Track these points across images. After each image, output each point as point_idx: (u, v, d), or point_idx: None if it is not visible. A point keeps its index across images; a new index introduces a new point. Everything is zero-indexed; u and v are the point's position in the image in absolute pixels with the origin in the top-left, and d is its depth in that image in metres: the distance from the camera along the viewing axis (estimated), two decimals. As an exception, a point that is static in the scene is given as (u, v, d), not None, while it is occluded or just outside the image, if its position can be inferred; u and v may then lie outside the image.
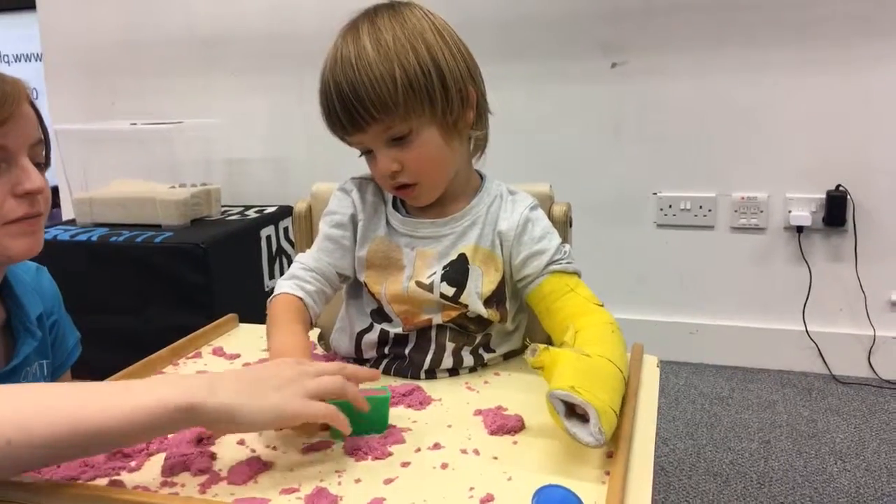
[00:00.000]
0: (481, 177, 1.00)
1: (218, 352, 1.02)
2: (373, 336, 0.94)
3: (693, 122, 2.26)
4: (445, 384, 0.91)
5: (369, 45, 0.85)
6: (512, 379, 0.93)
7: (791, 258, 2.26)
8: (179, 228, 2.22)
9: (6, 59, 3.81)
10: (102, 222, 2.30)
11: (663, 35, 2.23)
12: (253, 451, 0.74)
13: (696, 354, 2.37)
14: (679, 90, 2.25)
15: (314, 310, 0.93)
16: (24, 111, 0.86)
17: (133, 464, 0.72)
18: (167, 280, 2.07)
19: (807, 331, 2.26)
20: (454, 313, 0.92)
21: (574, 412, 0.70)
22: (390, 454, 0.73)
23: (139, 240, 2.10)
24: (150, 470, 0.71)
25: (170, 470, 0.70)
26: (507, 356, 0.98)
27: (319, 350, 1.04)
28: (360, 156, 0.93)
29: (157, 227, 2.22)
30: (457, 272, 0.92)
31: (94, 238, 2.15)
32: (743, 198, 2.26)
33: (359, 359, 0.96)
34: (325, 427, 0.77)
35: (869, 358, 2.23)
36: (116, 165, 2.47)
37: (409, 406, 0.84)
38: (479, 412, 0.82)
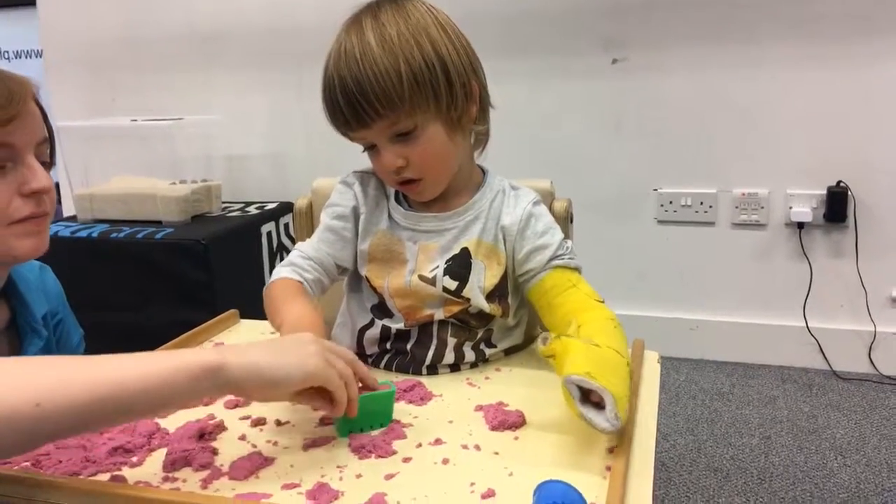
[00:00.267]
0: (483, 172, 1.00)
1: (220, 346, 1.02)
2: (374, 332, 0.94)
3: (694, 118, 2.26)
4: (446, 380, 0.91)
5: (373, 40, 0.84)
6: (513, 375, 0.93)
7: (792, 254, 2.26)
8: (180, 225, 2.22)
9: (6, 55, 3.81)
10: (103, 219, 2.30)
11: (664, 31, 2.23)
12: (254, 446, 0.74)
13: (697, 350, 2.37)
14: (680, 86, 2.25)
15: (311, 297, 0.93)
16: (31, 109, 0.86)
17: (134, 459, 0.72)
18: (168, 276, 2.07)
19: (807, 327, 2.26)
20: (456, 308, 0.92)
21: (588, 399, 0.71)
22: (394, 452, 0.73)
23: (140, 236, 2.10)
24: (152, 465, 0.71)
25: (171, 465, 0.70)
26: (509, 352, 0.98)
27: None
28: (364, 151, 0.93)
29: (158, 223, 2.22)
30: (459, 266, 0.92)
31: (94, 234, 2.15)
32: (744, 194, 2.26)
33: (360, 354, 0.96)
34: (328, 420, 0.77)
35: (869, 354, 2.23)
36: (117, 162, 2.47)
37: (411, 402, 0.84)
38: (480, 408, 0.82)
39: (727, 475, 1.72)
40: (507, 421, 0.77)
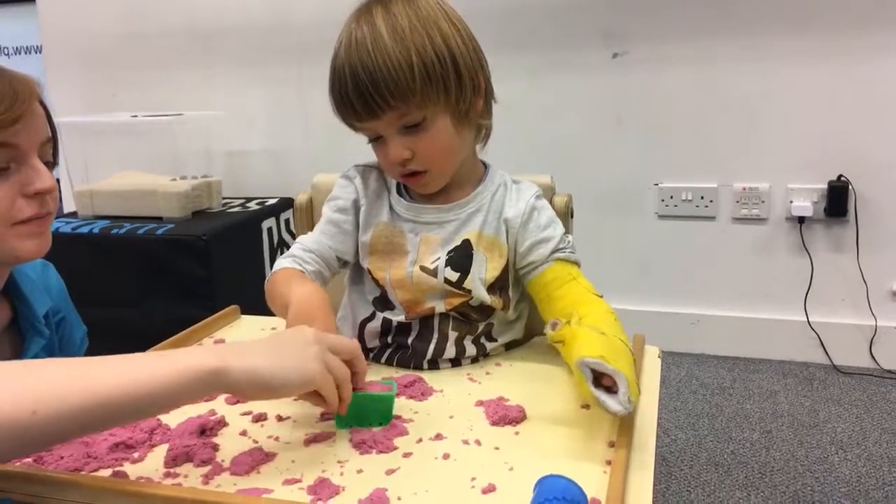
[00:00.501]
0: (485, 166, 1.00)
1: (220, 344, 1.03)
2: (375, 324, 0.94)
3: (694, 112, 2.25)
4: (447, 375, 0.91)
5: (385, 32, 0.84)
6: (514, 370, 0.93)
7: (792, 248, 2.26)
8: (181, 221, 2.22)
9: (6, 51, 3.80)
10: (104, 215, 2.30)
11: (665, 25, 2.22)
12: (255, 441, 0.75)
13: (698, 345, 2.37)
14: (681, 80, 2.24)
15: None
16: (36, 109, 0.86)
17: (136, 455, 0.72)
18: (169, 272, 2.07)
19: (808, 321, 2.26)
20: (457, 301, 0.92)
21: (599, 383, 0.72)
22: (395, 448, 0.73)
23: (140, 232, 2.10)
24: (153, 461, 0.71)
25: (173, 461, 0.70)
26: (509, 346, 0.99)
27: None
28: (369, 143, 0.93)
29: (159, 219, 2.22)
30: (461, 257, 0.92)
31: (95, 230, 2.15)
32: (744, 188, 2.25)
33: (362, 348, 0.96)
34: (329, 416, 0.78)
35: (870, 348, 2.23)
36: (117, 158, 2.47)
37: (411, 397, 0.84)
38: (480, 403, 0.82)
39: (728, 469, 1.73)
40: (507, 416, 0.77)
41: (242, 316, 1.14)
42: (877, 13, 2.05)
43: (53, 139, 0.92)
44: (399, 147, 0.88)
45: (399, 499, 0.64)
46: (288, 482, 0.67)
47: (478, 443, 0.73)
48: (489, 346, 0.95)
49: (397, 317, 0.93)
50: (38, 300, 0.98)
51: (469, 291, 0.91)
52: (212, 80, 2.66)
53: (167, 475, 0.68)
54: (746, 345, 2.33)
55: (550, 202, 1.02)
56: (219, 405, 0.82)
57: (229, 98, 2.63)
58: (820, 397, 2.07)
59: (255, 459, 0.70)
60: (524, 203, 0.95)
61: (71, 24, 2.76)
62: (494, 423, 0.77)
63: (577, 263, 0.95)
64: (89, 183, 2.36)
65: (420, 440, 0.74)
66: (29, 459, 0.70)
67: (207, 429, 0.76)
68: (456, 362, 0.93)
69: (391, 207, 0.96)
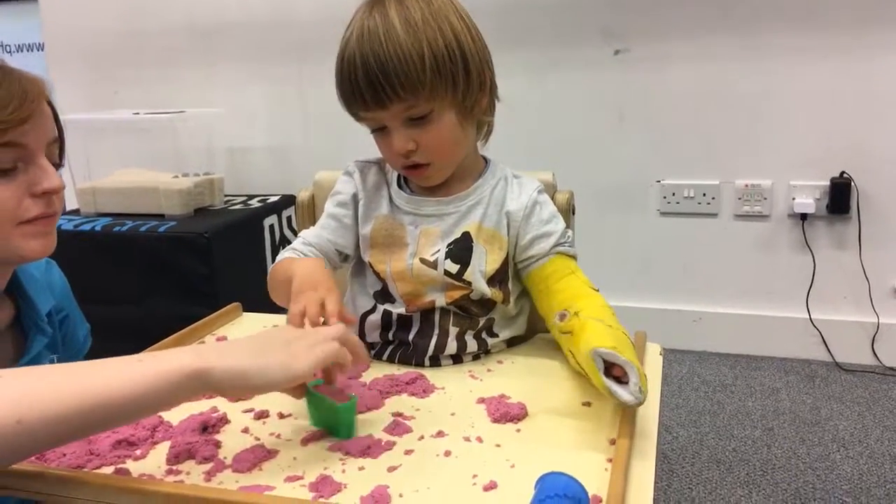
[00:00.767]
0: (485, 160, 1.01)
1: (222, 341, 1.03)
2: (376, 317, 0.94)
3: (696, 109, 2.25)
4: (449, 372, 0.91)
5: (398, 23, 0.85)
6: (515, 367, 0.93)
7: (795, 246, 2.25)
8: (183, 218, 2.22)
9: (8, 49, 3.80)
10: (106, 212, 2.30)
11: (666, 22, 2.22)
12: (257, 438, 0.75)
13: (700, 342, 2.37)
14: (682, 77, 2.24)
15: None
16: (44, 110, 0.86)
17: (138, 452, 0.72)
18: (171, 269, 2.08)
19: (810, 318, 2.25)
20: (457, 294, 0.92)
21: (609, 374, 0.73)
22: (396, 445, 0.73)
23: (143, 229, 2.11)
24: (155, 458, 0.71)
25: (175, 458, 0.70)
26: (511, 342, 0.99)
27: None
28: (372, 132, 0.93)
29: (161, 216, 2.22)
30: (461, 249, 0.93)
31: (97, 228, 2.16)
32: (746, 185, 2.25)
33: (362, 342, 0.96)
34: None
35: (872, 345, 2.23)
36: (119, 155, 2.47)
37: (413, 394, 0.84)
38: (482, 400, 0.82)
39: (729, 467, 1.73)
40: (508, 413, 0.78)
41: (244, 313, 1.14)
42: (878, 10, 2.05)
43: (60, 140, 0.92)
44: (403, 138, 0.89)
45: (400, 496, 0.64)
46: (290, 479, 0.67)
47: (479, 440, 0.74)
48: (490, 341, 0.95)
49: (398, 309, 0.93)
50: (41, 298, 0.98)
51: (469, 284, 0.92)
52: (213, 77, 2.66)
53: (169, 472, 0.69)
54: (748, 342, 2.33)
55: (552, 199, 1.02)
56: (220, 402, 0.82)
57: (231, 95, 2.63)
58: (822, 395, 2.07)
59: (257, 456, 0.70)
60: (526, 197, 0.96)
61: (73, 21, 2.76)
62: (496, 421, 0.77)
63: (575, 257, 0.96)
64: (91, 180, 2.36)
65: (422, 437, 0.74)
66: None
67: (209, 426, 0.76)
68: (457, 358, 0.94)
69: (391, 200, 0.97)
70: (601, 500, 0.62)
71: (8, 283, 0.94)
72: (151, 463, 0.70)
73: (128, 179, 2.34)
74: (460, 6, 0.91)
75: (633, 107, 2.30)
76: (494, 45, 0.93)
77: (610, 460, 0.68)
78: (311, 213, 1.15)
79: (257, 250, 2.33)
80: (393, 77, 0.84)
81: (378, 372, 0.90)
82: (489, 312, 0.95)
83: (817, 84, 2.13)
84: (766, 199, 2.24)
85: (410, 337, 0.93)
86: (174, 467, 0.69)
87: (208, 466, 0.69)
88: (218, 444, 0.73)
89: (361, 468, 0.69)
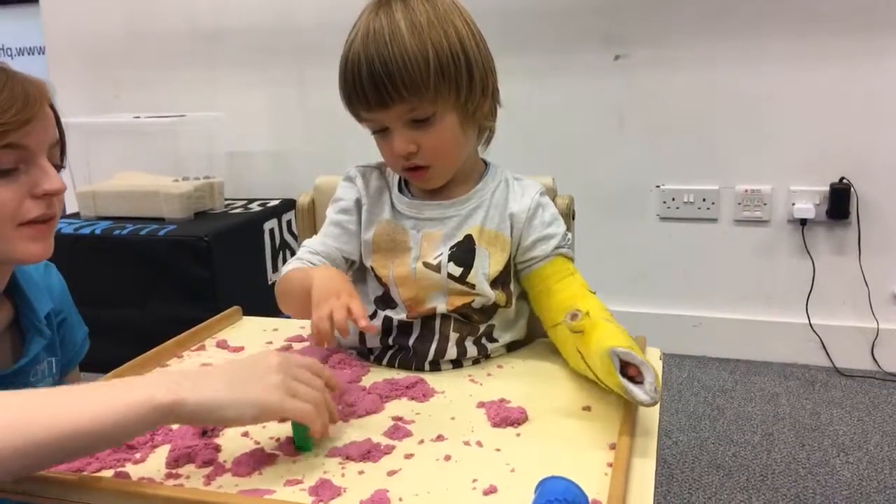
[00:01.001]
0: (486, 164, 1.01)
1: (222, 344, 1.03)
2: (376, 323, 0.94)
3: (696, 114, 2.25)
4: (449, 376, 0.91)
5: (403, 25, 0.85)
6: (515, 371, 0.93)
7: (794, 251, 2.25)
8: (183, 221, 2.22)
9: (9, 52, 3.81)
10: (106, 215, 2.30)
11: (666, 27, 2.22)
12: (257, 442, 0.75)
13: (699, 347, 2.37)
14: (682, 82, 2.25)
15: None
16: (46, 112, 0.87)
17: (138, 455, 0.72)
18: (171, 273, 2.08)
19: (810, 323, 2.26)
20: (458, 302, 0.92)
21: (624, 373, 0.74)
22: (396, 449, 0.73)
23: (143, 233, 2.11)
24: (155, 462, 0.71)
25: (174, 462, 0.70)
26: (511, 347, 0.99)
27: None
28: (373, 133, 0.93)
29: (161, 220, 2.22)
30: (463, 252, 0.93)
31: (97, 231, 2.16)
32: (746, 190, 2.25)
33: (362, 347, 0.96)
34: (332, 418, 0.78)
35: (872, 351, 2.23)
36: (120, 158, 2.47)
37: (413, 398, 0.84)
38: (482, 404, 0.82)
39: (729, 472, 1.73)
40: (508, 417, 0.77)
41: (244, 317, 1.14)
42: (878, 16, 2.05)
43: (62, 142, 0.92)
44: (405, 140, 0.89)
45: (400, 500, 0.64)
46: (289, 483, 0.67)
47: (479, 444, 0.73)
48: (490, 346, 0.95)
49: (398, 315, 0.93)
50: (39, 300, 0.98)
51: (473, 286, 0.92)
52: (214, 81, 2.66)
53: (169, 476, 0.69)
54: (748, 347, 2.33)
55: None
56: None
57: (231, 99, 2.63)
58: (821, 400, 2.06)
59: (257, 460, 0.70)
60: (529, 199, 0.96)
61: (74, 25, 2.76)
62: (496, 425, 0.77)
63: (573, 260, 0.97)
64: (92, 184, 2.37)
65: (421, 441, 0.74)
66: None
67: (209, 430, 0.76)
68: (457, 363, 0.94)
69: (392, 205, 0.97)
70: (601, 505, 0.62)
71: (7, 284, 0.94)
72: (151, 466, 0.70)
73: (128, 183, 2.34)
74: (465, 10, 0.91)
75: (633, 112, 2.31)
76: (496, 49, 0.94)
77: (610, 464, 0.68)
78: (311, 218, 1.15)
79: (257, 254, 2.33)
80: (397, 78, 0.84)
81: (378, 376, 0.90)
82: (490, 318, 0.95)
83: (817, 89, 2.14)
84: (765, 204, 2.24)
85: (410, 342, 0.93)
86: (174, 471, 0.69)
87: (208, 470, 0.69)
88: (217, 448, 0.73)
89: (361, 472, 0.69)
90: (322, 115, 2.48)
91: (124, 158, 2.48)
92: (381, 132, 0.92)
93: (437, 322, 0.93)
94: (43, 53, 2.92)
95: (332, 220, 0.98)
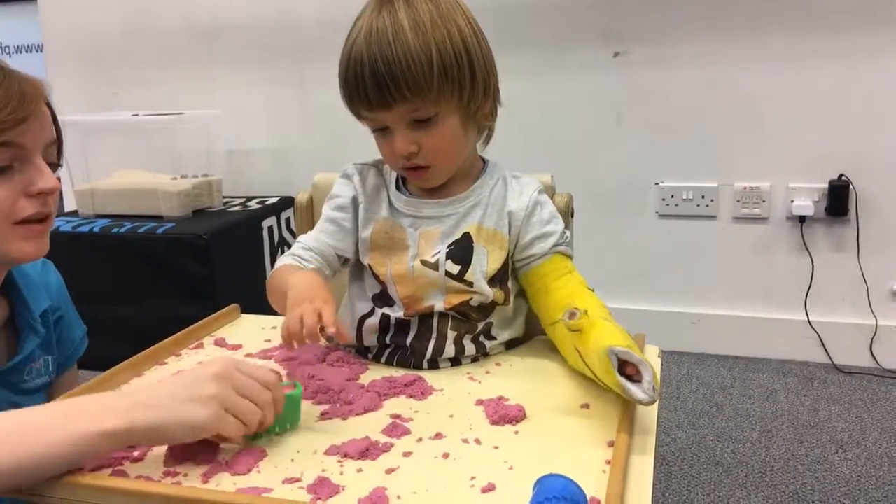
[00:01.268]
0: (484, 161, 1.01)
1: (220, 342, 1.03)
2: (374, 320, 0.94)
3: (695, 111, 2.25)
4: (447, 374, 0.91)
5: (407, 24, 0.84)
6: (514, 369, 0.93)
7: (793, 248, 2.26)
8: (181, 219, 2.22)
9: (7, 50, 3.80)
10: (104, 213, 2.30)
11: (665, 24, 2.22)
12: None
13: (698, 344, 2.37)
14: (681, 80, 2.24)
15: None
16: (42, 111, 0.87)
17: (136, 454, 0.72)
18: (169, 271, 2.08)
19: (809, 320, 2.26)
20: (456, 300, 0.92)
21: (622, 372, 0.74)
22: (394, 447, 0.73)
23: (141, 231, 2.11)
24: (153, 460, 0.71)
25: (172, 460, 0.70)
26: (510, 345, 0.99)
27: (322, 342, 1.04)
28: (373, 132, 0.93)
29: (160, 218, 2.22)
30: (461, 250, 0.93)
31: (96, 229, 2.15)
32: (745, 188, 2.25)
33: (359, 345, 0.96)
34: (328, 415, 0.77)
35: (871, 347, 2.23)
36: (118, 156, 2.47)
37: (411, 396, 0.84)
38: (480, 402, 0.82)
39: (728, 469, 1.73)
40: (507, 415, 0.77)
41: (243, 315, 1.14)
42: (877, 13, 2.05)
43: (59, 141, 0.92)
44: (406, 141, 0.89)
45: (399, 498, 0.64)
46: (287, 481, 0.67)
47: (477, 442, 0.73)
48: (489, 344, 0.95)
49: (396, 313, 0.93)
50: (34, 298, 0.98)
51: (471, 284, 0.92)
52: (212, 78, 2.66)
53: (167, 474, 0.68)
54: (747, 344, 2.33)
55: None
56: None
57: (230, 97, 2.63)
58: (820, 397, 2.07)
59: (255, 458, 0.70)
60: (527, 196, 0.96)
61: (72, 22, 2.76)
62: (494, 423, 0.77)
63: (571, 258, 0.97)
64: (90, 182, 2.36)
65: (420, 439, 0.74)
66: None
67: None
68: (455, 361, 0.93)
69: (390, 203, 0.97)
70: (599, 503, 0.62)
71: (3, 282, 0.94)
72: (149, 465, 0.70)
73: (126, 181, 2.34)
74: (467, 8, 0.91)
75: (631, 109, 2.30)
76: (493, 46, 0.93)
77: (608, 462, 0.68)
78: (309, 215, 1.15)
79: (256, 252, 2.33)
80: (400, 79, 0.84)
81: (376, 374, 0.90)
82: (488, 316, 0.95)
83: (816, 87, 2.14)
84: (764, 201, 2.24)
85: (408, 341, 0.93)
86: (171, 469, 0.69)
87: (206, 468, 0.69)
88: (216, 446, 0.73)
89: (359, 470, 0.69)
90: (321, 113, 2.48)
91: (122, 156, 2.48)
92: (381, 131, 0.91)
93: (435, 320, 0.93)
94: (41, 51, 2.91)
95: (327, 216, 0.98)
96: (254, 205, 2.43)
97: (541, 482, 0.61)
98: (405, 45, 0.84)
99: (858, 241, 2.19)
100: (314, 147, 2.57)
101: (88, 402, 0.69)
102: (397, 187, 0.98)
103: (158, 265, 2.08)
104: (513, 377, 0.90)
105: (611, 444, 0.71)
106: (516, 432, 0.76)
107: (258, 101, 2.64)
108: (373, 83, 0.85)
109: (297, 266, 0.93)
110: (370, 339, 0.95)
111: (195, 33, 2.64)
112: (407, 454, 0.71)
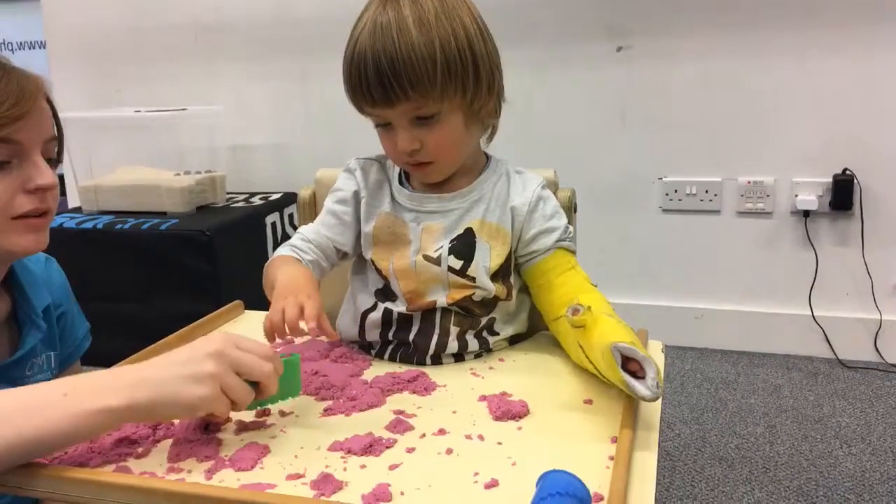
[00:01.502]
0: (487, 157, 1.01)
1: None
2: (376, 315, 0.94)
3: (699, 106, 2.25)
4: (450, 370, 0.91)
5: (411, 21, 0.84)
6: (517, 365, 0.93)
7: (797, 242, 2.25)
8: (185, 216, 2.22)
9: (10, 47, 3.81)
10: (108, 210, 2.30)
11: (669, 19, 2.22)
12: (258, 436, 0.74)
13: (702, 339, 2.37)
14: (685, 74, 2.24)
15: None
16: (42, 107, 0.87)
17: (140, 450, 0.72)
18: (173, 267, 2.08)
19: (813, 315, 2.25)
20: (459, 295, 0.92)
21: (625, 368, 0.73)
22: (398, 443, 0.73)
23: (145, 227, 2.11)
24: (157, 456, 0.71)
25: (176, 456, 0.70)
26: (513, 340, 0.98)
27: (323, 336, 1.04)
28: (375, 127, 0.93)
29: (163, 214, 2.23)
30: (464, 245, 0.93)
31: (99, 226, 2.16)
32: (749, 182, 2.25)
33: (362, 341, 0.96)
34: (332, 411, 0.77)
35: (875, 342, 2.23)
36: (121, 153, 2.47)
37: (414, 392, 0.84)
38: (483, 398, 0.82)
39: (732, 464, 1.73)
40: (510, 411, 0.77)
41: (246, 311, 1.14)
42: (881, 7, 2.04)
43: (59, 137, 0.92)
44: (408, 138, 0.89)
45: (402, 494, 0.64)
46: (291, 477, 0.67)
47: (481, 438, 0.73)
48: (492, 340, 0.95)
49: (398, 308, 0.93)
50: (36, 294, 0.98)
51: (473, 279, 0.92)
52: (215, 75, 2.66)
53: (170, 470, 0.69)
54: (751, 339, 2.33)
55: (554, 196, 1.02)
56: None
57: (233, 93, 2.63)
58: (824, 391, 2.06)
59: (258, 454, 0.70)
60: (530, 192, 0.96)
61: (75, 19, 2.76)
62: (497, 418, 0.77)
63: (574, 253, 0.97)
64: (93, 178, 2.37)
65: (423, 435, 0.74)
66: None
67: (211, 424, 0.76)
68: (459, 357, 0.93)
69: (393, 197, 0.97)
70: (603, 498, 0.62)
71: (5, 277, 0.94)
72: (153, 461, 0.70)
73: (130, 177, 2.35)
74: (472, 4, 0.90)
75: (635, 104, 2.30)
76: (497, 41, 0.93)
77: (612, 458, 0.68)
78: (312, 211, 1.15)
79: (259, 248, 2.33)
80: (404, 77, 0.83)
81: (380, 370, 0.90)
82: (490, 311, 0.95)
83: (820, 81, 2.13)
84: (768, 196, 2.24)
85: (411, 337, 0.93)
86: (175, 465, 0.69)
87: (209, 464, 0.69)
88: (219, 443, 0.73)
89: (363, 466, 0.69)
90: (324, 109, 2.48)
91: (126, 153, 2.48)
92: (384, 126, 0.91)
93: (438, 316, 0.93)
94: (44, 48, 2.91)
95: (328, 209, 0.98)
96: (257, 201, 2.44)
97: (544, 478, 0.60)
98: (409, 42, 0.83)
99: (863, 236, 2.18)
100: (317, 143, 2.57)
101: (88, 379, 0.70)
102: (400, 182, 0.98)
103: (162, 261, 2.08)
104: (516, 373, 0.90)
105: (614, 440, 0.71)
106: (519, 428, 0.76)
107: (261, 96, 2.64)
108: (376, 80, 0.84)
109: (293, 257, 0.94)
110: (373, 335, 0.95)
111: (198, 30, 2.64)
112: (410, 450, 0.71)
